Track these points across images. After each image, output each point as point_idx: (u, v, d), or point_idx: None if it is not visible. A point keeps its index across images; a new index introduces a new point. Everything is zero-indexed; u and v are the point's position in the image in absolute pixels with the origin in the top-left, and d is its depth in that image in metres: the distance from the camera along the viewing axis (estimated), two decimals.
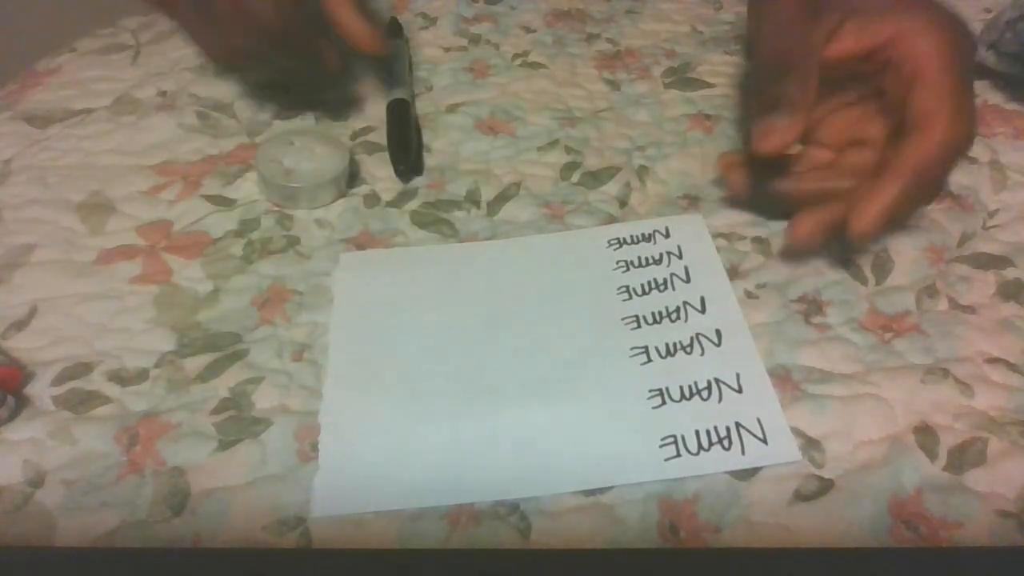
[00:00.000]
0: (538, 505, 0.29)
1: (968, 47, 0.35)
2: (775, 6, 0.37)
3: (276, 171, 0.40)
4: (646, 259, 0.37)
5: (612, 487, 0.29)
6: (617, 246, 0.38)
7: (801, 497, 0.29)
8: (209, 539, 0.28)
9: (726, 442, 0.30)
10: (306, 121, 0.46)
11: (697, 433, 0.30)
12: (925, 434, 0.30)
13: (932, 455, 0.30)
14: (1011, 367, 0.33)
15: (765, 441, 0.30)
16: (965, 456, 0.30)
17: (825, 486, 0.29)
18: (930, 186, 0.34)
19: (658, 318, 0.34)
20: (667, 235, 0.38)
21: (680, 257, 0.37)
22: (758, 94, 0.36)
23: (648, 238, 0.38)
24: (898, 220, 0.35)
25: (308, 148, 0.41)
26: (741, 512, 0.29)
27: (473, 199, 0.41)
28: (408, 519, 0.29)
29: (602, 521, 0.29)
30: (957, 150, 0.33)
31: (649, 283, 0.36)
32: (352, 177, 0.42)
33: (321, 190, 0.40)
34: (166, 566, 0.28)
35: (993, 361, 0.33)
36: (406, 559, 0.28)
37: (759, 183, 0.37)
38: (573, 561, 0.28)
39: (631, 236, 0.38)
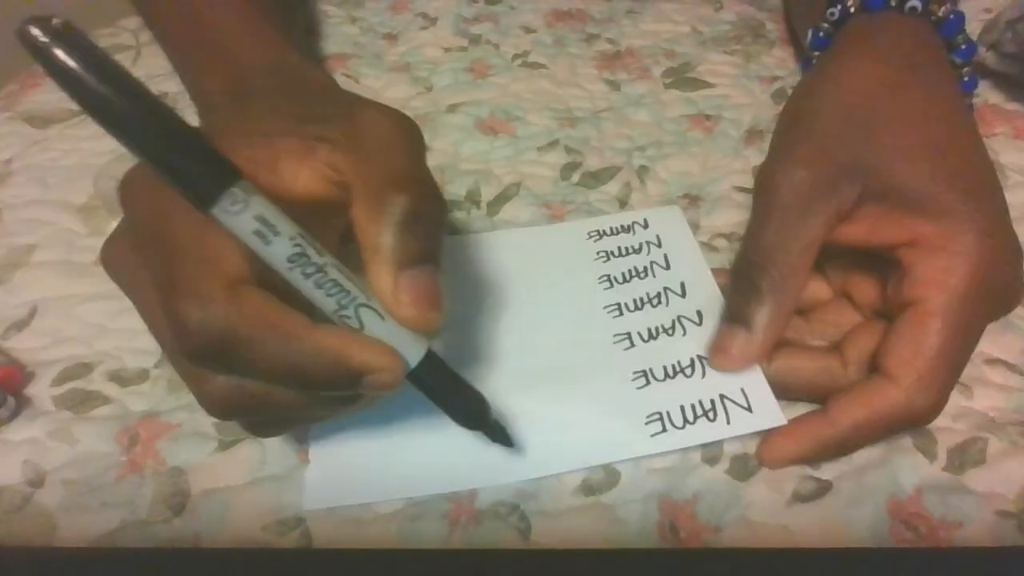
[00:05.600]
0: (538, 505, 0.29)
1: (1002, 287, 0.28)
2: (781, 173, 0.29)
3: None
4: (626, 248, 0.37)
5: (611, 487, 0.29)
6: (597, 237, 0.38)
7: (800, 498, 0.29)
8: (209, 539, 0.28)
9: (711, 414, 0.30)
10: None
11: (682, 408, 0.30)
12: (923, 436, 0.30)
13: (931, 456, 0.30)
14: (1010, 367, 0.33)
15: (750, 409, 0.30)
16: (965, 456, 0.30)
17: (824, 487, 0.29)
18: (863, 442, 0.29)
19: (639, 304, 0.35)
20: (645, 226, 0.38)
21: (659, 246, 0.37)
22: (732, 282, 0.31)
23: (627, 229, 0.38)
24: (814, 461, 0.30)
25: None
26: (741, 512, 0.29)
27: (473, 199, 0.41)
28: (408, 519, 0.29)
29: (602, 521, 0.29)
30: (911, 422, 0.28)
31: (630, 271, 0.36)
32: None
33: None
34: (166, 566, 0.28)
35: (992, 362, 0.33)
36: (406, 559, 0.28)
37: None
38: (573, 561, 0.28)
39: (611, 228, 0.39)
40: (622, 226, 0.39)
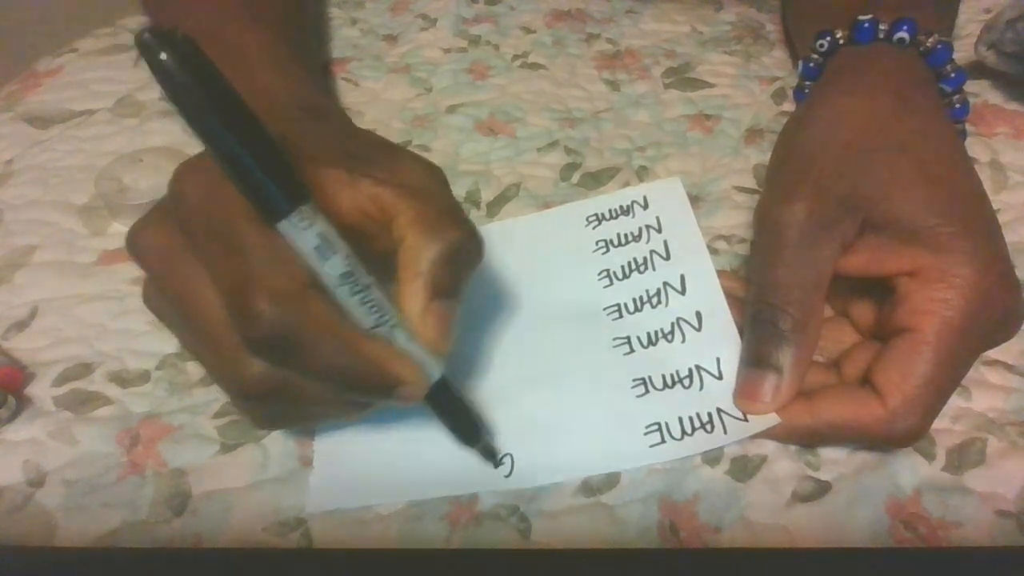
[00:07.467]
0: (538, 505, 0.29)
1: (998, 320, 0.28)
2: (780, 212, 0.29)
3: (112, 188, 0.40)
4: (625, 236, 0.37)
5: (612, 488, 0.29)
6: (596, 223, 0.38)
7: (799, 498, 0.29)
8: (209, 540, 0.28)
9: (709, 426, 0.30)
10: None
11: (680, 420, 0.30)
12: None
13: (929, 456, 0.30)
14: (1009, 368, 0.33)
15: (745, 419, 0.30)
16: (964, 456, 0.30)
17: (823, 487, 0.29)
18: (834, 443, 0.30)
19: (639, 304, 0.34)
20: (645, 206, 0.38)
21: (660, 231, 0.37)
22: (750, 325, 0.30)
23: (626, 211, 0.38)
24: (782, 441, 0.30)
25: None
26: (741, 512, 0.29)
27: (473, 200, 0.41)
28: (408, 519, 0.29)
29: (602, 521, 0.29)
30: (888, 441, 0.28)
31: (629, 264, 0.36)
32: None
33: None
34: (166, 566, 0.28)
35: (991, 363, 0.33)
36: (406, 559, 0.28)
37: None
38: (573, 561, 0.28)
39: (609, 211, 0.38)
40: (621, 207, 0.38)
